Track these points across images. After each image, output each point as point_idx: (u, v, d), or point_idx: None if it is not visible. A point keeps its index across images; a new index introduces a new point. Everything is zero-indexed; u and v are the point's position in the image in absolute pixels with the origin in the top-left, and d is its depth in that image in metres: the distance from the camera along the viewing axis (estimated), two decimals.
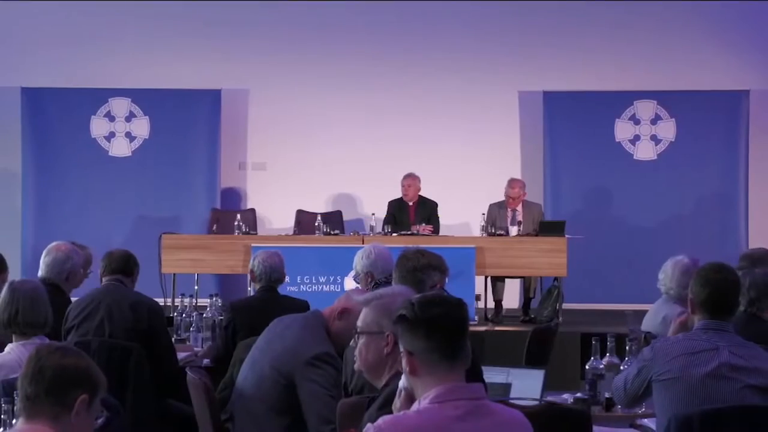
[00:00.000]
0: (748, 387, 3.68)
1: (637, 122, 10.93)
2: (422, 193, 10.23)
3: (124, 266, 5.51)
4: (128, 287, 5.51)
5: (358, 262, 5.48)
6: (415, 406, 2.59)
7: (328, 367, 4.06)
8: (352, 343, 3.21)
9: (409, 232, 9.69)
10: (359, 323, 3.17)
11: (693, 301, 3.83)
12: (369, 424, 2.58)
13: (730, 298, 3.84)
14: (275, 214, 11.07)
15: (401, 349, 2.64)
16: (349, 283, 9.11)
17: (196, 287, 9.66)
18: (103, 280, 5.53)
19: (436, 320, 2.60)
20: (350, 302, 4.19)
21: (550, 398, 4.13)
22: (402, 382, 2.71)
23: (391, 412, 2.78)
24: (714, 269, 3.90)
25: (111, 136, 11.17)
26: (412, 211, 10.16)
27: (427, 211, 10.13)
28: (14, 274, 9.63)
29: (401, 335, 2.63)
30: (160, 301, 9.10)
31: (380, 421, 2.54)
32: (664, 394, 3.72)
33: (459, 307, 2.66)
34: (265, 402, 4.13)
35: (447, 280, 4.47)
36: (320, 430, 3.98)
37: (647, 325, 5.42)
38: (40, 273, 5.62)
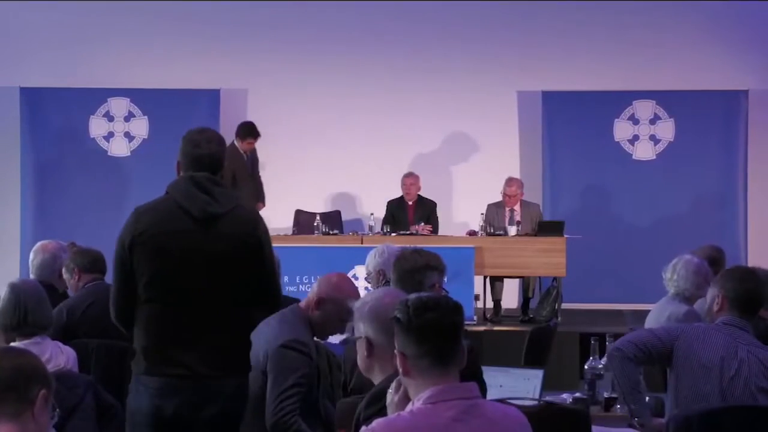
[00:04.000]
0: (760, 389, 3.72)
1: (636, 122, 10.93)
2: (421, 193, 10.24)
3: (104, 266, 5.52)
4: None
5: (371, 260, 5.47)
6: (408, 407, 2.59)
7: (291, 352, 4.05)
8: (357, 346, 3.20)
9: (408, 232, 9.70)
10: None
11: (726, 297, 3.92)
12: (363, 427, 2.58)
13: (759, 300, 3.97)
14: (274, 214, 11.05)
15: (396, 348, 2.64)
16: None
17: None
18: (83, 276, 5.47)
19: (427, 327, 2.57)
20: (322, 291, 4.22)
21: (548, 398, 4.13)
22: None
23: (378, 411, 2.79)
24: (749, 271, 4.10)
25: (110, 135, 11.17)
26: (411, 211, 10.17)
27: (426, 211, 10.14)
28: (13, 274, 9.69)
29: (396, 335, 2.63)
30: None
31: (374, 423, 2.55)
32: (684, 380, 3.77)
33: (453, 312, 2.62)
34: (252, 401, 4.13)
35: (445, 279, 4.46)
36: (273, 412, 4.00)
37: (651, 323, 5.43)
38: (31, 275, 5.60)
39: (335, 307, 4.22)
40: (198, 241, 3.76)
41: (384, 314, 2.93)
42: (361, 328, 3.03)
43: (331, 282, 4.28)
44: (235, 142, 10.08)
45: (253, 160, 10.36)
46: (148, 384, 3.70)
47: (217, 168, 3.94)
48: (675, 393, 3.84)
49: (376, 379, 3.04)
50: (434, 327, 2.57)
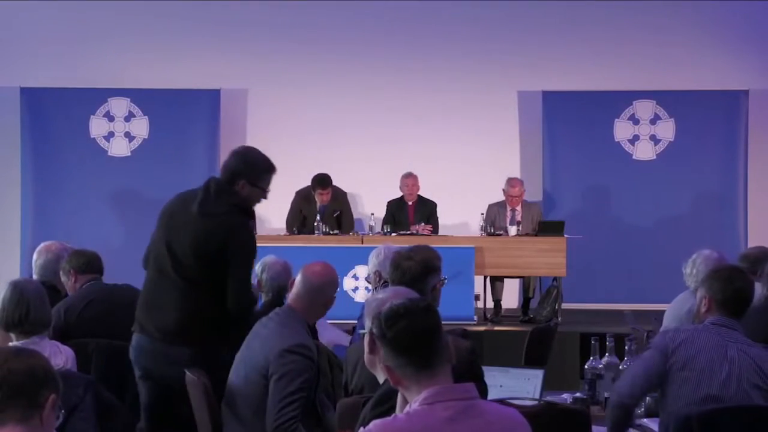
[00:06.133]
0: (753, 387, 3.70)
1: (636, 122, 10.93)
2: (421, 192, 10.24)
3: (101, 266, 5.53)
4: None
5: (370, 261, 5.47)
6: (406, 409, 2.58)
7: (295, 356, 4.06)
8: (358, 344, 3.20)
9: (408, 232, 9.70)
10: None
11: (713, 299, 3.88)
12: (361, 428, 2.58)
13: (746, 300, 3.92)
14: (274, 214, 11.06)
15: (381, 361, 2.63)
16: (348, 283, 9.12)
17: None
18: (80, 277, 5.47)
19: (401, 336, 2.56)
20: (301, 288, 4.30)
21: (549, 398, 4.12)
22: None
23: (384, 412, 2.78)
24: (736, 270, 4.04)
25: (110, 135, 11.17)
26: (411, 211, 10.17)
27: (426, 211, 10.14)
28: (14, 273, 9.69)
29: (379, 350, 2.63)
30: None
31: (371, 425, 2.54)
32: (676, 385, 3.74)
33: (425, 314, 2.60)
34: (251, 405, 4.13)
35: (445, 278, 4.41)
36: (275, 417, 4.00)
37: (670, 318, 5.40)
38: (34, 276, 5.60)
39: (326, 295, 4.29)
40: (181, 227, 4.58)
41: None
42: (367, 324, 3.05)
43: (312, 271, 4.33)
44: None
45: (328, 212, 10.14)
46: None
47: (228, 175, 4.66)
48: (665, 397, 3.79)
49: (380, 375, 3.05)
50: (409, 334, 2.56)
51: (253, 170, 4.66)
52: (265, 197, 4.71)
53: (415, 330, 2.57)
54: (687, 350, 3.76)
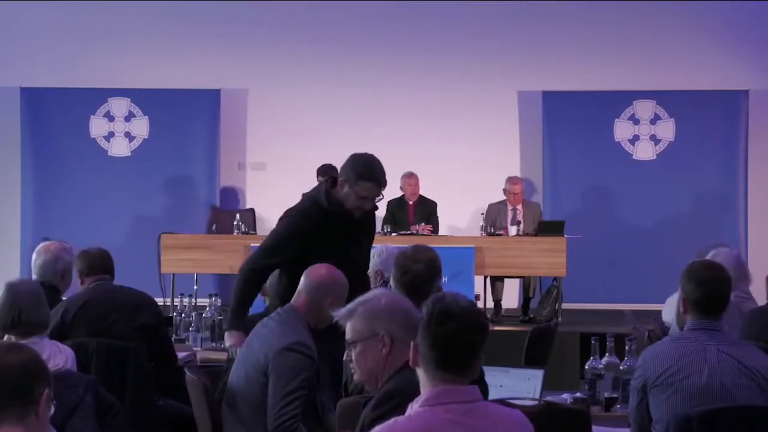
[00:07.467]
0: (740, 387, 3.66)
1: (636, 122, 10.94)
2: (422, 192, 10.23)
3: (108, 266, 5.49)
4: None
5: (369, 261, 5.44)
6: (408, 411, 2.57)
7: (295, 354, 4.05)
8: (345, 357, 3.16)
9: (408, 232, 9.69)
10: (349, 335, 3.09)
11: (686, 300, 3.77)
12: None
13: (720, 300, 3.78)
14: (274, 214, 10.94)
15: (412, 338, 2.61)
16: None
17: (195, 287, 9.65)
18: (86, 279, 5.46)
19: (441, 337, 2.53)
20: (302, 288, 4.29)
21: (549, 398, 4.12)
22: None
23: (388, 412, 2.77)
24: (707, 267, 3.87)
25: (110, 135, 11.17)
26: (411, 211, 10.16)
27: (426, 210, 10.13)
28: (14, 273, 9.69)
29: (419, 326, 2.60)
30: (159, 301, 9.11)
31: (372, 429, 2.53)
32: (659, 398, 3.71)
33: (475, 331, 2.55)
34: (251, 404, 4.12)
35: (445, 279, 4.41)
36: (276, 416, 3.98)
37: (669, 314, 5.36)
38: (33, 276, 5.59)
39: (325, 298, 4.24)
40: None
41: (404, 309, 2.96)
42: (380, 326, 2.99)
43: (319, 273, 4.31)
44: None
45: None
46: None
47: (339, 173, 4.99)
48: (657, 409, 3.74)
49: (379, 381, 3.02)
50: (449, 339, 2.53)
51: (350, 173, 4.88)
52: (363, 203, 4.87)
53: (458, 339, 2.53)
54: (657, 371, 3.69)
